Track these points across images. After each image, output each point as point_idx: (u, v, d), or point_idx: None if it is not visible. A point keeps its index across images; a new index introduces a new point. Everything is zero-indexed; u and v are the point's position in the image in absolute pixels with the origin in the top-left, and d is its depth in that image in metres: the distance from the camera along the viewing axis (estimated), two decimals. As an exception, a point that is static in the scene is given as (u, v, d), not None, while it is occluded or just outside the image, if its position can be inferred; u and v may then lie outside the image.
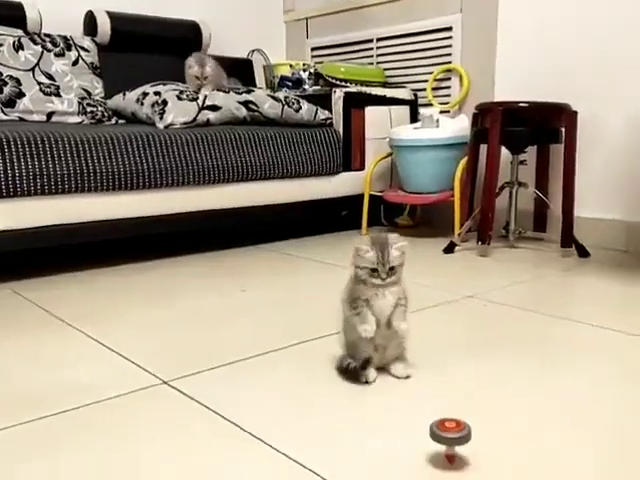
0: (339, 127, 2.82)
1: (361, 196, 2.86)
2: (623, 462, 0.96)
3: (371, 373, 1.25)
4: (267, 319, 1.68)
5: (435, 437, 0.93)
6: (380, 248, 1.20)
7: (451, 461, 0.94)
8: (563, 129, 2.38)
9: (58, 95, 2.63)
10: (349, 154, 2.83)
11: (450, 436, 0.91)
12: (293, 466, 0.95)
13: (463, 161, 2.61)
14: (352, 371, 1.25)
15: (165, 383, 1.26)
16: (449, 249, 2.46)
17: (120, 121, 2.75)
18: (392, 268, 1.21)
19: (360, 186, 2.86)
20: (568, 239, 2.38)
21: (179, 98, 2.47)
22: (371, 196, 2.85)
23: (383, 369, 1.28)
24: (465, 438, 0.92)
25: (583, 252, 2.36)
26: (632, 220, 2.44)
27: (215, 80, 2.61)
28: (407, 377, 1.26)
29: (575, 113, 2.37)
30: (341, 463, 0.96)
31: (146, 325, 1.63)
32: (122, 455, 0.99)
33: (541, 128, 2.41)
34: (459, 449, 0.95)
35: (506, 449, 0.99)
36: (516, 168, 2.52)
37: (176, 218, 2.35)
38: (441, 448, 0.95)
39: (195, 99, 2.49)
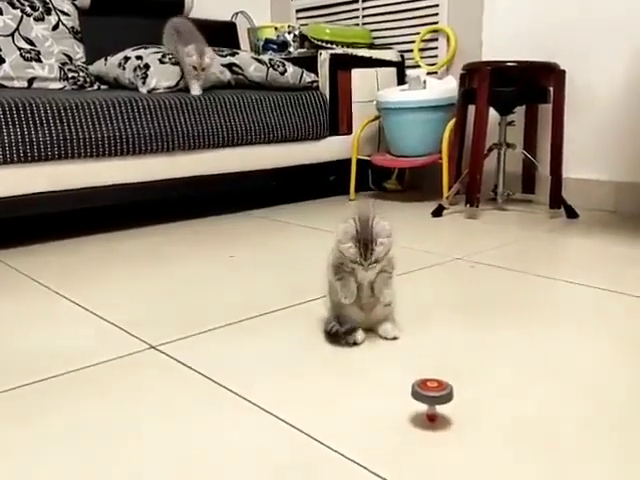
0: (325, 90, 2.78)
1: (349, 161, 2.84)
2: (606, 417, 0.97)
3: (359, 335, 1.25)
4: (255, 284, 1.67)
5: (417, 396, 0.93)
6: (363, 246, 1.16)
7: (432, 420, 0.94)
8: (551, 88, 2.35)
9: (39, 60, 2.56)
10: (336, 118, 2.80)
11: (431, 395, 0.92)
12: (280, 425, 0.95)
13: (451, 123, 2.59)
14: (335, 334, 1.25)
15: (153, 347, 1.26)
16: (437, 212, 2.46)
17: (103, 87, 2.70)
18: (377, 260, 1.18)
19: (348, 150, 2.83)
20: (557, 200, 2.38)
21: (161, 62, 2.42)
22: (359, 160, 2.83)
23: (371, 330, 1.29)
24: (446, 397, 0.92)
25: (572, 213, 2.36)
26: (620, 180, 2.44)
27: (209, 71, 2.44)
28: (394, 338, 1.26)
29: (563, 72, 2.34)
30: (324, 421, 0.96)
31: (133, 291, 1.62)
32: (110, 419, 0.99)
33: (529, 88, 2.38)
34: (441, 409, 0.95)
35: (489, 409, 1.00)
36: (504, 129, 2.50)
37: (161, 185, 2.32)
38: (423, 407, 0.95)
39: (178, 63, 2.44)
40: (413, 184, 3.07)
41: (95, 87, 2.68)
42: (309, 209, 2.66)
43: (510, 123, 2.49)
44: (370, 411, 0.99)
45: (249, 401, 1.03)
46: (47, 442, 0.93)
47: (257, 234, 2.24)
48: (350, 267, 1.21)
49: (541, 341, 1.25)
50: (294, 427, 0.95)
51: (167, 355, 1.22)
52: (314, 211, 2.61)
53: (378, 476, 0.82)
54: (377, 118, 2.83)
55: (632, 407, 0.99)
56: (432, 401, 0.92)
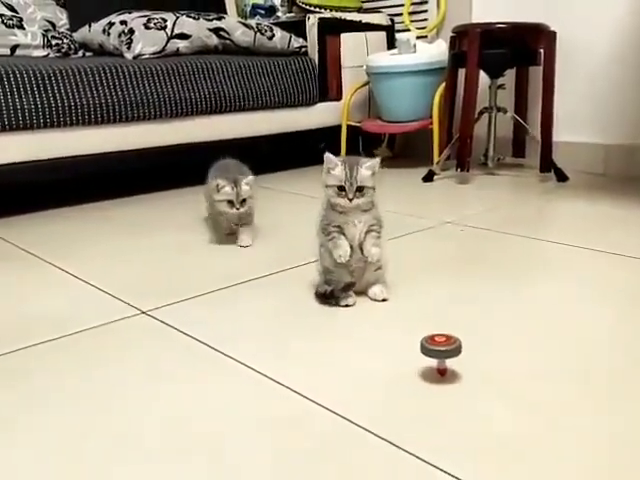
0: (314, 55, 2.74)
1: (339, 127, 2.81)
2: (594, 368, 0.98)
3: (350, 297, 1.25)
4: (246, 250, 1.67)
5: (426, 351, 0.94)
6: (349, 166, 1.19)
7: (442, 374, 0.95)
8: (542, 50, 2.33)
9: (21, 27, 2.51)
10: (325, 83, 2.76)
11: (441, 349, 0.93)
12: (279, 389, 0.96)
13: (441, 87, 2.56)
14: (329, 296, 1.25)
15: (144, 313, 1.26)
16: (428, 178, 2.45)
17: (88, 54, 2.65)
18: (361, 189, 1.19)
19: (337, 117, 2.80)
20: (547, 164, 2.37)
21: (146, 27, 2.38)
22: (349, 127, 2.80)
23: (362, 293, 1.29)
24: (455, 351, 0.93)
25: (562, 176, 2.36)
26: (609, 143, 2.44)
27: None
28: (384, 300, 1.27)
29: (554, 33, 2.32)
30: (313, 380, 0.97)
31: (124, 259, 1.62)
32: (99, 381, 0.99)
33: (520, 49, 2.36)
34: (450, 362, 0.96)
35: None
36: (495, 93, 2.48)
37: (148, 152, 2.29)
38: (432, 362, 0.96)
39: (163, 27, 2.39)
40: (404, 150, 3.05)
41: (80, 54, 2.63)
42: (300, 177, 2.64)
43: (500, 86, 2.47)
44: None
45: (244, 364, 1.03)
46: (32, 404, 0.93)
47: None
48: (336, 224, 1.21)
49: (530, 298, 1.26)
50: (282, 385, 0.95)
51: (159, 320, 1.22)
52: (304, 179, 2.59)
53: (362, 427, 0.83)
54: (367, 83, 2.80)
55: (618, 360, 1.00)
56: (441, 355, 0.93)
